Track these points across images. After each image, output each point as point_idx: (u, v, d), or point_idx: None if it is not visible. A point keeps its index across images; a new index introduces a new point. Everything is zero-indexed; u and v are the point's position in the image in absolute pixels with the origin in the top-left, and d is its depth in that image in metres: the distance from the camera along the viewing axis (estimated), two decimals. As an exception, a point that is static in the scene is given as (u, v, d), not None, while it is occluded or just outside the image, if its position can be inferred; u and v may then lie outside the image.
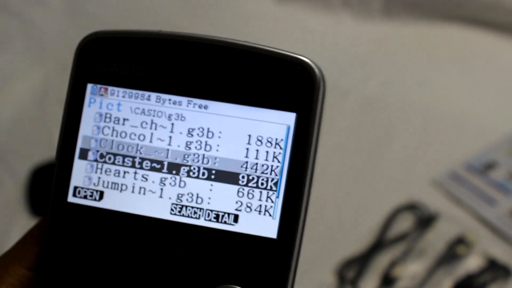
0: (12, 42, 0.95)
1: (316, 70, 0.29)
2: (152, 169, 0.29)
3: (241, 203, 0.29)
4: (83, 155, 0.30)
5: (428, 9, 0.99)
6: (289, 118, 0.29)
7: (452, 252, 0.66)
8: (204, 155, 0.29)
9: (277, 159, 0.29)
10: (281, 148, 0.29)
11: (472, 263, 0.66)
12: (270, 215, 0.29)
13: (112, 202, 0.30)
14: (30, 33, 0.96)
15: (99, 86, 0.30)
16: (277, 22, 1.01)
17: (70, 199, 0.30)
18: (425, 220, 0.70)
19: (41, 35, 0.96)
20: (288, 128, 0.29)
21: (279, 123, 0.29)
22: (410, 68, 0.92)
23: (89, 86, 0.30)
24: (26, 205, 0.74)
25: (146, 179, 0.29)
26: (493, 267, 0.65)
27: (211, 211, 0.29)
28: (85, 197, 0.30)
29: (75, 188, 0.30)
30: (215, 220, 0.29)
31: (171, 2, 1.03)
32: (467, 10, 0.97)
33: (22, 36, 0.96)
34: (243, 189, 0.29)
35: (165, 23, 0.99)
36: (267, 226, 0.28)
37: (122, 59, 0.30)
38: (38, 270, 0.30)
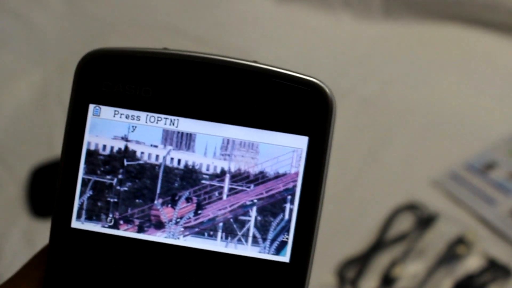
0: (12, 42, 0.95)
1: (328, 92, 0.28)
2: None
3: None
4: (86, 183, 0.29)
5: (428, 9, 0.99)
6: (301, 142, 0.28)
7: (452, 252, 0.66)
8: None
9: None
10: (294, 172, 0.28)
11: (472, 263, 0.66)
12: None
13: (118, 227, 0.29)
14: (30, 33, 0.96)
15: (101, 107, 0.29)
16: (277, 22, 1.01)
17: (74, 224, 0.29)
18: (425, 220, 0.70)
19: (41, 35, 0.96)
20: (300, 152, 0.28)
21: (291, 147, 0.28)
22: (410, 68, 0.92)
23: (91, 107, 0.29)
24: (26, 205, 0.74)
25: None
26: (493, 267, 0.65)
27: (225, 237, 0.29)
28: (91, 222, 0.29)
29: (79, 212, 0.29)
30: (227, 245, 0.28)
31: (171, 2, 1.03)
32: (467, 10, 0.97)
33: (22, 36, 0.96)
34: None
35: (165, 24, 0.99)
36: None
37: (126, 79, 0.29)
38: None
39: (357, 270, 0.65)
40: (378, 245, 0.67)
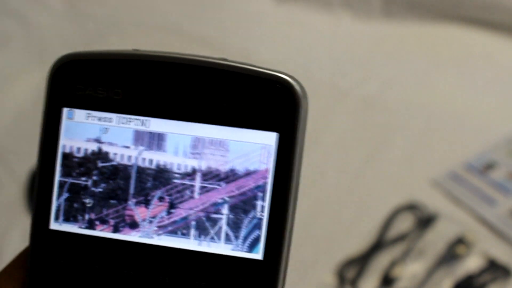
0: (12, 42, 0.95)
1: (297, 88, 0.28)
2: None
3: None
4: (62, 185, 0.29)
5: (428, 9, 0.99)
6: (271, 138, 0.28)
7: (452, 252, 0.66)
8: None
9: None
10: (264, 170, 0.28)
11: (472, 263, 0.66)
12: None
13: (95, 228, 0.29)
14: (30, 33, 0.96)
15: (75, 110, 0.29)
16: (277, 22, 1.01)
17: (53, 226, 0.29)
18: (425, 220, 0.70)
19: (41, 35, 0.96)
20: (270, 148, 0.28)
21: (261, 143, 0.28)
22: (410, 68, 0.92)
23: (65, 111, 0.29)
24: (26, 205, 0.74)
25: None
26: (493, 267, 0.65)
27: (198, 235, 0.29)
28: (68, 223, 0.29)
29: (57, 214, 0.29)
30: (201, 243, 0.28)
31: (171, 2, 1.03)
32: (467, 10, 0.97)
33: (22, 36, 0.96)
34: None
35: (165, 24, 0.99)
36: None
37: (97, 82, 0.29)
38: None
39: (357, 270, 0.65)
40: (378, 245, 0.67)
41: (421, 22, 0.98)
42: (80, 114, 0.29)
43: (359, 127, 0.84)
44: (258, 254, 0.28)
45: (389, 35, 0.98)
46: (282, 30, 1.00)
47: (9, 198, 0.74)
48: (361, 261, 0.66)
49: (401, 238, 0.68)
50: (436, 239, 0.68)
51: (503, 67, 0.92)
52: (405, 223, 0.70)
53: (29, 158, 0.77)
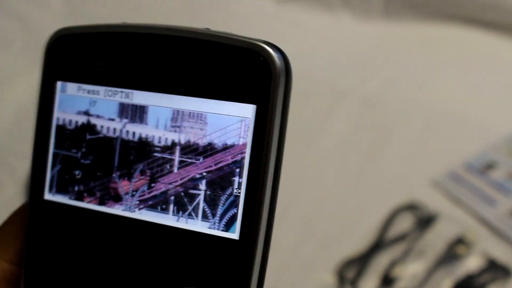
0: (12, 42, 0.95)
1: (275, 57, 0.27)
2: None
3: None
4: (56, 157, 0.30)
5: (428, 9, 0.99)
6: (249, 111, 0.27)
7: (452, 252, 0.66)
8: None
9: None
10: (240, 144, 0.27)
11: (472, 263, 0.66)
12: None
13: (83, 199, 0.30)
14: (30, 33, 0.96)
15: (67, 83, 0.30)
16: (277, 22, 1.01)
17: (47, 196, 0.30)
18: (425, 220, 0.70)
19: (41, 35, 0.96)
20: (248, 122, 0.27)
21: (239, 116, 0.27)
22: (410, 68, 0.92)
23: (59, 84, 0.30)
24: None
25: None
26: (493, 267, 0.65)
27: (176, 211, 0.28)
28: (60, 194, 0.30)
29: (51, 185, 0.30)
30: (179, 219, 0.28)
31: (170, 2, 1.03)
32: (467, 10, 0.97)
33: (22, 36, 0.96)
34: None
35: (164, 24, 0.99)
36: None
37: (86, 55, 0.29)
38: (23, 265, 0.30)
39: (357, 270, 0.65)
40: (378, 245, 0.67)
41: (421, 22, 0.98)
42: (72, 87, 0.30)
43: (359, 127, 0.84)
44: (234, 234, 0.27)
45: (389, 35, 0.98)
46: (282, 30, 1.00)
47: (9, 198, 0.74)
48: (361, 261, 0.66)
49: (401, 238, 0.68)
50: (436, 239, 0.68)
51: (503, 67, 0.92)
52: (405, 223, 0.70)
53: (29, 158, 0.77)
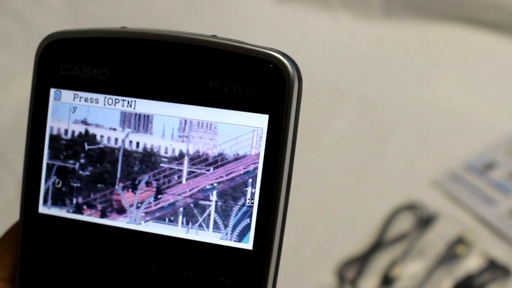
0: (12, 42, 0.95)
1: (289, 66, 0.26)
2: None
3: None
4: (50, 168, 0.29)
5: (428, 9, 0.99)
6: (261, 120, 0.26)
7: (452, 252, 0.66)
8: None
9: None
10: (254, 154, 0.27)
11: (471, 263, 0.66)
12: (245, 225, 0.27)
13: (82, 212, 0.28)
14: (30, 33, 0.96)
15: (62, 91, 0.28)
16: (277, 22, 1.01)
17: (41, 209, 0.29)
18: (425, 220, 0.70)
19: (41, 35, 0.96)
20: (261, 131, 0.27)
21: (251, 126, 0.27)
22: (410, 68, 0.92)
23: (52, 91, 0.29)
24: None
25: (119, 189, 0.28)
26: (493, 267, 0.65)
27: (186, 222, 0.27)
28: (56, 207, 0.29)
29: (45, 198, 0.29)
30: (188, 231, 0.27)
31: (170, 2, 1.03)
32: (467, 10, 0.97)
33: (22, 36, 0.96)
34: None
35: (164, 24, 0.99)
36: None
37: (83, 61, 0.28)
38: (16, 283, 0.29)
39: (356, 270, 0.65)
40: (377, 245, 0.67)
41: (421, 22, 0.98)
42: (67, 95, 0.28)
43: (359, 127, 0.84)
44: (247, 244, 0.27)
45: (389, 35, 0.97)
46: (282, 30, 0.99)
47: (9, 198, 0.74)
48: (361, 261, 0.66)
49: (401, 238, 0.68)
50: (436, 239, 0.68)
51: (503, 67, 0.92)
52: (405, 223, 0.70)
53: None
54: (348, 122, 0.84)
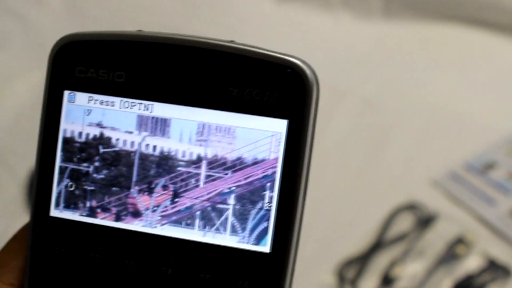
0: (12, 42, 0.95)
1: (308, 72, 0.27)
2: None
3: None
4: (63, 171, 0.28)
5: (428, 9, 0.99)
6: (280, 125, 0.27)
7: (452, 252, 0.66)
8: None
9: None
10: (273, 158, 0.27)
11: (471, 263, 0.66)
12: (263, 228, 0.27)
13: (96, 216, 0.28)
14: (30, 33, 0.96)
15: (76, 93, 0.28)
16: (277, 22, 1.01)
17: (53, 212, 0.29)
18: (425, 220, 0.70)
19: (41, 35, 0.96)
20: (280, 136, 0.27)
21: (270, 131, 0.27)
22: (410, 68, 0.92)
23: (66, 94, 0.28)
24: (26, 205, 0.73)
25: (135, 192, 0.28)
26: (493, 267, 0.65)
27: (203, 226, 0.28)
28: (69, 210, 0.28)
29: (57, 201, 0.28)
30: (205, 234, 0.27)
31: (170, 2, 1.03)
32: (467, 10, 0.97)
33: (22, 36, 0.95)
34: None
35: (164, 24, 0.99)
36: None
37: (99, 64, 0.28)
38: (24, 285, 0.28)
39: (356, 270, 0.65)
40: (377, 245, 0.67)
41: (421, 22, 0.98)
42: (81, 97, 0.28)
43: (359, 127, 0.84)
44: (265, 247, 0.27)
45: (389, 35, 0.97)
46: (282, 30, 0.99)
47: (9, 198, 0.74)
48: (361, 261, 0.66)
49: (401, 238, 0.68)
50: (436, 239, 0.68)
51: (503, 67, 0.92)
52: (405, 223, 0.70)
53: (29, 158, 0.77)
54: (348, 122, 0.84)
